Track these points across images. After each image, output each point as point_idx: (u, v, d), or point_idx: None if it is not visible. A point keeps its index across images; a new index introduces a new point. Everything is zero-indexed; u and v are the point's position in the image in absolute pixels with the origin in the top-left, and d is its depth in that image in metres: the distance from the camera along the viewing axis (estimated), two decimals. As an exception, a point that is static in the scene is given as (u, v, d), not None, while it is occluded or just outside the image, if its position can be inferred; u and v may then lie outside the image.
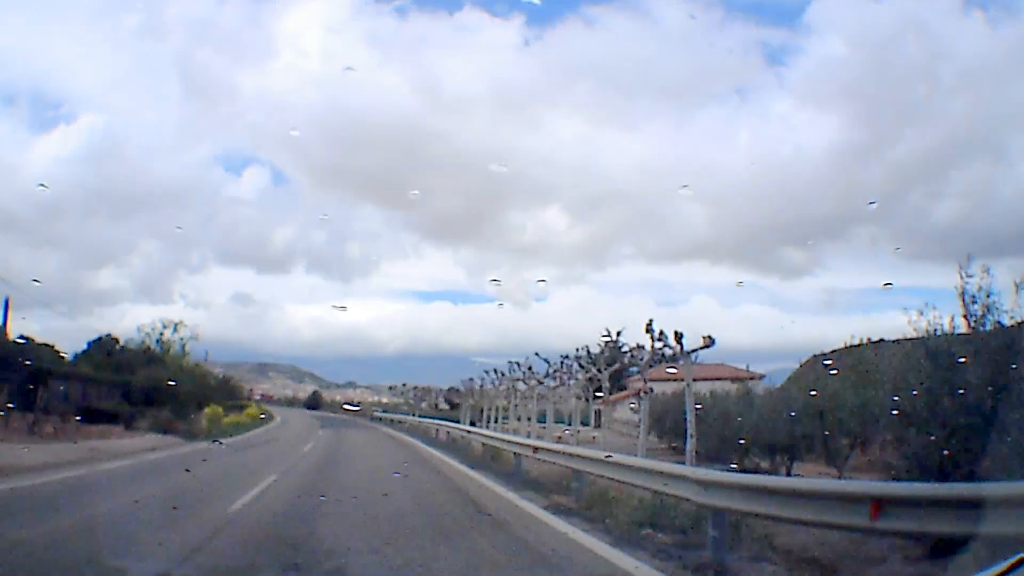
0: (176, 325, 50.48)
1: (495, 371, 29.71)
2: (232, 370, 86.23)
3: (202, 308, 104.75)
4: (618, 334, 19.80)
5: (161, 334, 49.87)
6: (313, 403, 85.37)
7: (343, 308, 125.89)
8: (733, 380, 35.14)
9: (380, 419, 57.29)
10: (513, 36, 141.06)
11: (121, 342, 42.76)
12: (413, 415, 47.76)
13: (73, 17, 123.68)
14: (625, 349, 20.49)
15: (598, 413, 37.14)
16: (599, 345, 20.63)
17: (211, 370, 53.39)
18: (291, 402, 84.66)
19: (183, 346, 50.08)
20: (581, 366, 21.61)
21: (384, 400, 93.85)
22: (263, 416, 49.07)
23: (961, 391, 6.92)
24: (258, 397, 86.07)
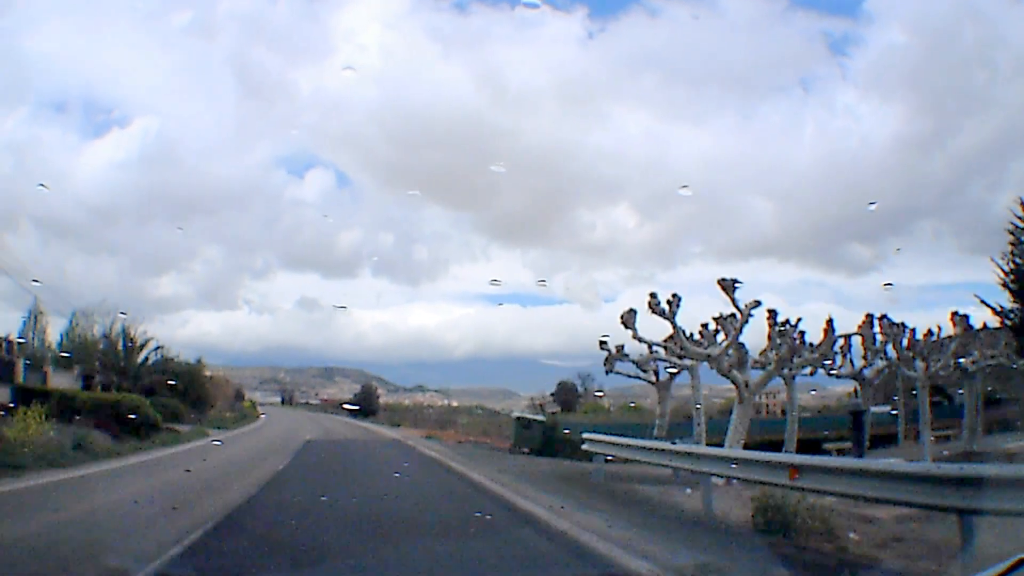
0: None
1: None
2: (297, 375, 78.28)
3: (267, 313, 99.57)
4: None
5: None
6: (360, 404, 66.25)
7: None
8: None
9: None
10: (576, 29, 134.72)
11: None
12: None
13: (121, 20, 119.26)
14: None
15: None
16: None
17: None
18: (341, 403, 76.19)
19: None
20: None
21: (454, 404, 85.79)
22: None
23: None
24: (316, 401, 79.27)
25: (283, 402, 78.98)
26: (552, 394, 42.70)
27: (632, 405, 44.51)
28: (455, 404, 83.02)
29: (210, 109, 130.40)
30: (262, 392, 74.22)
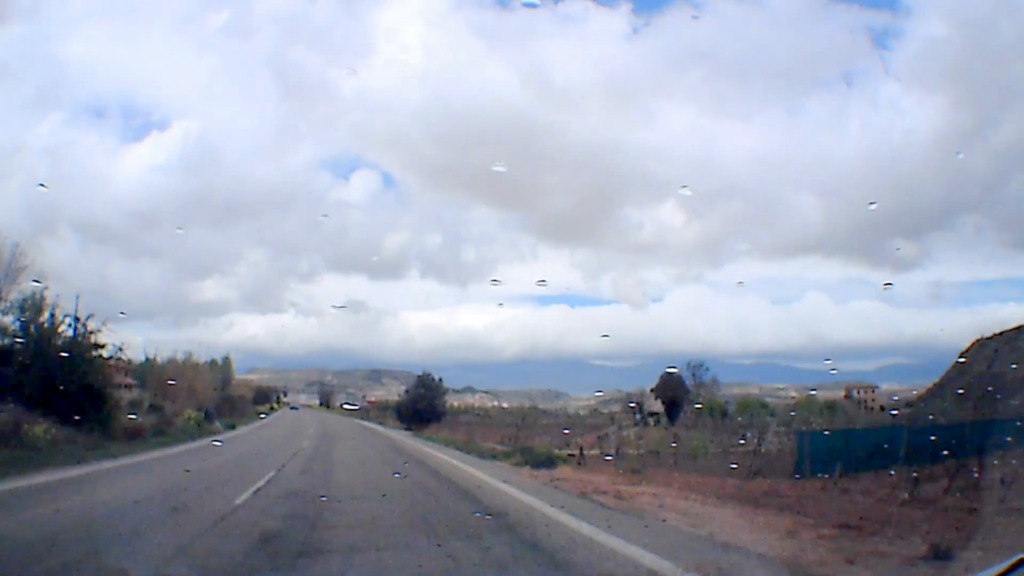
0: None
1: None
2: (344, 377, 73.72)
3: (314, 316, 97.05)
4: None
5: None
6: (414, 409, 47.60)
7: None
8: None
9: None
10: (620, 24, 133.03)
11: None
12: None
13: (157, 23, 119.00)
14: None
15: None
16: None
17: None
18: (386, 406, 71.42)
19: None
20: None
21: (504, 405, 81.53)
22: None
23: None
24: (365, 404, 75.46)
25: (321, 404, 75.56)
26: (652, 389, 36.59)
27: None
28: (505, 405, 79.16)
29: (251, 111, 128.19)
30: (307, 395, 70.03)
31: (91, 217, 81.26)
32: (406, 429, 45.10)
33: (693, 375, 35.20)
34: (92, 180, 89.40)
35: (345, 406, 69.69)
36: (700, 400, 33.89)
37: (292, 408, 69.24)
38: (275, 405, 69.38)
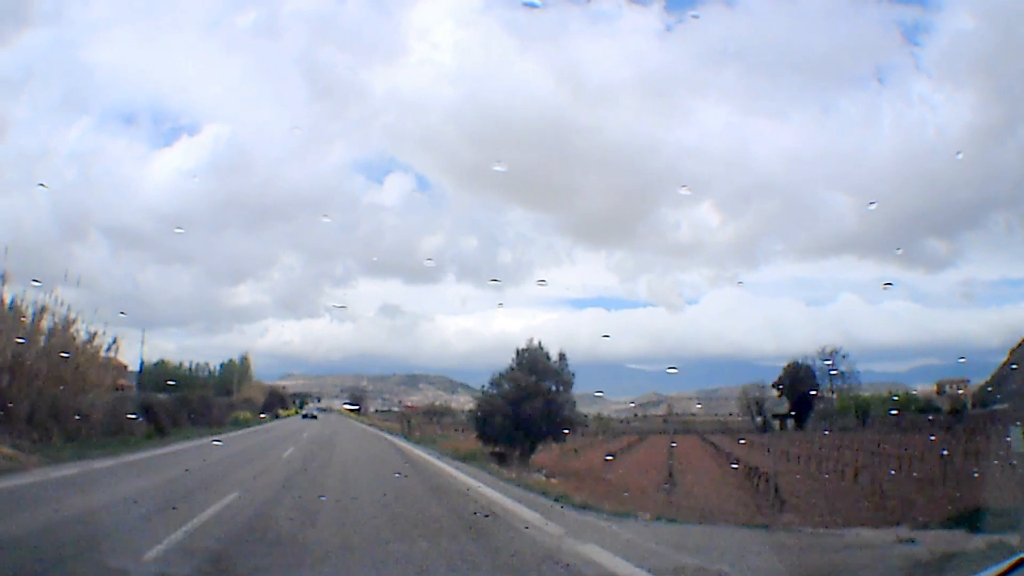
0: None
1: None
2: (380, 382, 68.51)
3: (349, 321, 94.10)
4: None
5: None
6: (525, 416, 24.33)
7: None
8: None
9: None
10: (654, 22, 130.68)
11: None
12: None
13: (184, 27, 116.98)
14: None
15: None
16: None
17: None
18: (433, 412, 56.03)
19: None
20: None
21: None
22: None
23: None
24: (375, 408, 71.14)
25: (351, 409, 71.76)
26: (775, 384, 29.89)
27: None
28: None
29: (282, 113, 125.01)
30: (341, 400, 65.03)
31: (122, 222, 78.71)
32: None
33: (827, 363, 29.25)
34: (122, 185, 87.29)
35: (346, 406, 64.14)
36: (836, 396, 27.96)
37: (306, 417, 56.30)
38: (281, 411, 61.26)
